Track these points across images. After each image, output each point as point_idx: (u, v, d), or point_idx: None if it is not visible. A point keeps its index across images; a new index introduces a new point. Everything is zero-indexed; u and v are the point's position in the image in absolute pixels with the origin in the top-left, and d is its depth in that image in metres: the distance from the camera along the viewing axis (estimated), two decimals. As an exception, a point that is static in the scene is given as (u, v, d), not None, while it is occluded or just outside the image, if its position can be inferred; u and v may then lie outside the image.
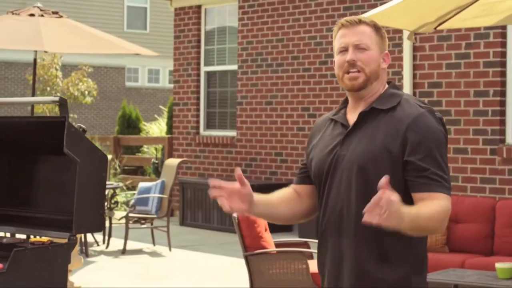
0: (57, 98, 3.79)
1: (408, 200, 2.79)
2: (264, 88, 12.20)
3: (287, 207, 3.08)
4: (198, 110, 13.24)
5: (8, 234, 5.19)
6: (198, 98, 13.26)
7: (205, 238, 11.36)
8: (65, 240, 3.93)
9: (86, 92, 16.29)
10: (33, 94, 10.26)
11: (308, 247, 6.83)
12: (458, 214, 7.74)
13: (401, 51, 10.68)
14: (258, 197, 2.97)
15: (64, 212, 4.16)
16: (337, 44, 2.96)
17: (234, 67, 12.74)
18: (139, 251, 10.35)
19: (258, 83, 12.29)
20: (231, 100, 12.88)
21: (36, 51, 10.29)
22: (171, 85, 28.41)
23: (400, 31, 10.55)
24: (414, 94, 8.79)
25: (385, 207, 2.52)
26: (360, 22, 2.96)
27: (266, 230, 6.57)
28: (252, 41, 12.37)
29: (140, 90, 27.22)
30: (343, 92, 11.24)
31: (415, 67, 8.80)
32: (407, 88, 8.80)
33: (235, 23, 12.74)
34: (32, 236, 4.35)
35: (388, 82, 3.04)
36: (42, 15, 9.92)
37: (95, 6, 25.83)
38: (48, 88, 16.25)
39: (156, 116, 18.95)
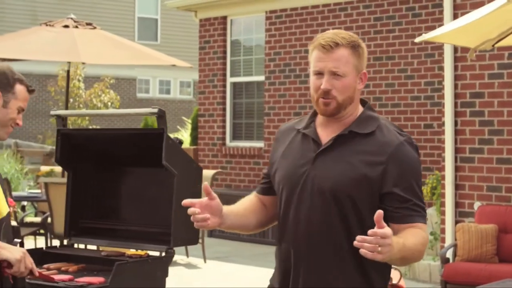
0: (155, 110, 3.77)
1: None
2: (292, 99, 12.18)
3: (254, 217, 3.06)
4: (224, 121, 13.21)
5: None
6: (224, 109, 13.24)
7: (236, 250, 11.31)
8: (161, 253, 3.90)
9: (109, 104, 16.29)
10: (67, 106, 10.22)
11: (362, 259, 6.78)
12: (507, 224, 7.73)
13: (433, 62, 10.68)
14: (226, 208, 2.96)
15: (152, 224, 4.13)
16: (312, 65, 2.90)
17: (261, 78, 12.72)
18: (173, 263, 10.30)
19: (286, 94, 12.28)
20: (258, 111, 12.85)
21: (69, 63, 10.28)
22: (182, 96, 28.47)
23: (431, 42, 10.55)
24: (456, 104, 8.77)
25: (380, 242, 2.54)
26: (337, 45, 2.85)
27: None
28: (279, 52, 12.35)
29: (152, 101, 27.19)
30: (374, 103, 11.22)
31: (456, 78, 8.77)
32: (448, 99, 8.78)
33: (262, 34, 12.73)
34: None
35: (363, 102, 3.00)
36: (76, 27, 9.90)
37: (106, 17, 25.82)
38: (71, 100, 16.24)
39: (178, 127, 18.90)
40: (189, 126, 15.48)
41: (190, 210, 2.83)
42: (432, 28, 10.60)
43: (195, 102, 28.16)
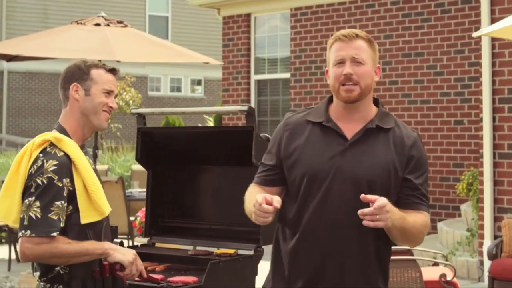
0: (245, 107, 3.75)
1: None
2: (318, 96, 12.15)
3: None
4: (248, 118, 13.18)
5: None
6: (248, 107, 13.19)
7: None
8: (250, 252, 3.88)
9: (131, 102, 16.23)
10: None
11: (412, 255, 6.77)
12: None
13: (463, 58, 10.66)
14: None
15: (236, 223, 4.10)
16: (333, 56, 3.08)
17: (286, 75, 12.70)
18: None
19: (312, 91, 12.25)
20: (283, 109, 12.83)
21: (100, 61, 10.23)
22: (193, 94, 28.41)
23: (461, 38, 10.54)
24: (494, 100, 8.76)
25: (377, 212, 2.79)
26: (357, 36, 3.08)
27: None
28: (305, 49, 12.32)
29: (163, 99, 27.16)
30: (402, 99, 11.20)
31: (494, 74, 8.75)
32: (486, 95, 8.75)
33: (286, 31, 12.70)
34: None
35: (375, 99, 3.17)
36: (107, 25, 9.86)
37: (116, 16, 25.76)
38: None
39: (200, 125, 18.88)
40: (210, 124, 15.45)
41: (266, 205, 2.87)
42: (462, 24, 10.60)
43: (206, 100, 28.12)
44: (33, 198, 3.19)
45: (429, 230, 9.53)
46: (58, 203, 3.18)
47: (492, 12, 8.74)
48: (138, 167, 12.56)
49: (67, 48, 9.47)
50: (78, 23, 9.93)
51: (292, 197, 3.08)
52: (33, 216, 3.16)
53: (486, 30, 5.72)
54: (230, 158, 3.94)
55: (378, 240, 3.04)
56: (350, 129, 3.05)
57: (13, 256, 10.02)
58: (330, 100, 3.17)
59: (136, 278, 3.19)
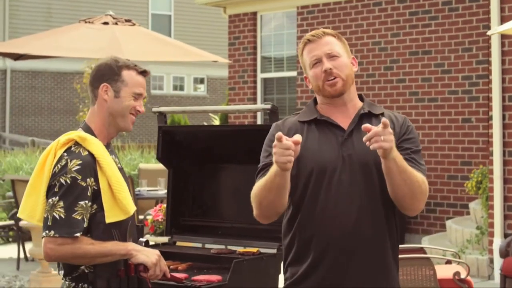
0: (268, 106, 3.75)
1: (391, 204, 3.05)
2: (325, 94, 12.13)
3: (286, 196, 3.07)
4: (255, 117, 13.18)
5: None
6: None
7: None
8: (273, 251, 3.87)
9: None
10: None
11: (425, 253, 6.76)
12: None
13: (471, 56, 10.65)
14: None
15: (256, 222, 4.08)
16: (308, 59, 3.16)
17: (293, 73, 12.69)
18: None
19: (319, 89, 12.23)
20: (290, 107, 12.82)
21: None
22: (196, 93, 28.40)
23: (469, 35, 10.53)
24: (504, 98, 8.75)
25: (380, 132, 2.83)
26: (324, 33, 3.16)
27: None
28: (312, 47, 12.29)
29: (166, 98, 27.14)
30: (410, 97, 11.20)
31: (504, 72, 8.74)
32: (496, 93, 8.74)
33: (293, 30, 12.69)
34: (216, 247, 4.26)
35: (358, 94, 3.23)
36: (115, 23, 9.86)
37: (119, 14, 25.73)
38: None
39: (205, 123, 18.87)
40: (216, 123, 15.43)
41: (284, 139, 2.84)
42: (469, 22, 10.58)
43: (209, 98, 28.10)
44: (57, 198, 3.18)
45: (437, 228, 9.44)
46: (82, 203, 3.17)
47: (502, 10, 8.72)
48: (145, 165, 12.54)
49: (75, 47, 9.48)
50: (86, 22, 9.93)
51: (297, 193, 3.07)
52: (57, 216, 3.15)
53: (501, 28, 5.71)
54: (251, 156, 3.91)
55: (390, 223, 3.07)
56: (343, 121, 3.12)
57: (22, 255, 10.02)
58: (315, 103, 3.22)
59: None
